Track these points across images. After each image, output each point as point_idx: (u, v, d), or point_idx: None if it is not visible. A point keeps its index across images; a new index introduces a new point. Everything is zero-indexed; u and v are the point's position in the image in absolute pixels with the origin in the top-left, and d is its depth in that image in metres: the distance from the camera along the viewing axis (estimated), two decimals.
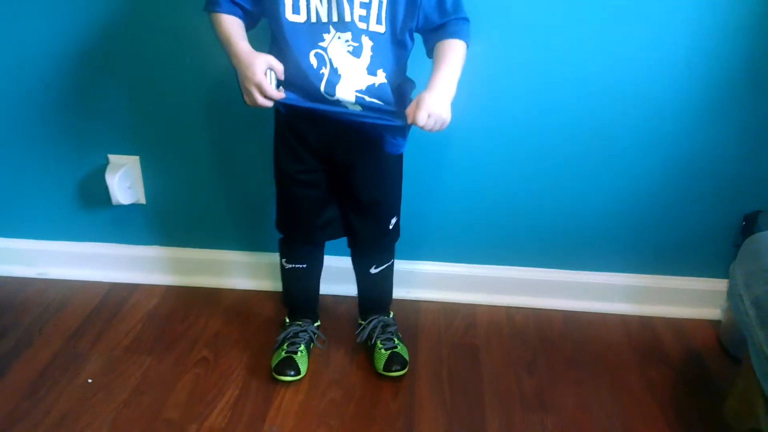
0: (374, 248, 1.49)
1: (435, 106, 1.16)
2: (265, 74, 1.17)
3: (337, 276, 1.66)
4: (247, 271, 1.78)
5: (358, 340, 1.54)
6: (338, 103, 1.20)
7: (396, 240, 1.49)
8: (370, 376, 1.49)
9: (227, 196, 1.70)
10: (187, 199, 1.70)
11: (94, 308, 1.68)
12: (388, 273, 1.54)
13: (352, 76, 1.19)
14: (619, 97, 1.50)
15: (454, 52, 1.22)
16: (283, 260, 1.50)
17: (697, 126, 1.52)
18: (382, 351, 1.49)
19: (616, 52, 1.45)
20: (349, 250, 1.50)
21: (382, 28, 1.19)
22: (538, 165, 1.59)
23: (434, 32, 1.24)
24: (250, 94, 1.18)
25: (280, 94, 1.19)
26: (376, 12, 1.18)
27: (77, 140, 1.63)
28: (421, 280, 1.75)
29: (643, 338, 1.64)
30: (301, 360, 1.47)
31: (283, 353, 1.47)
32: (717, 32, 1.42)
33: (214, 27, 1.22)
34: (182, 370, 1.48)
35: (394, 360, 1.47)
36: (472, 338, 1.62)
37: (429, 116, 1.16)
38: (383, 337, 1.51)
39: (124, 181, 1.64)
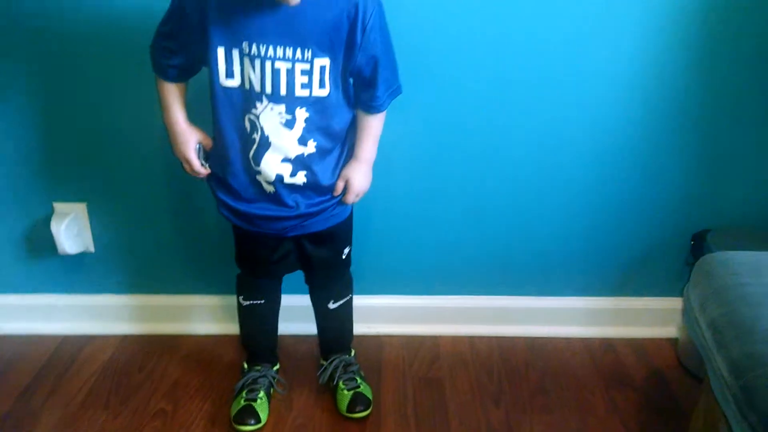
0: (330, 278, 1.46)
1: (362, 184, 1.31)
2: (196, 149, 1.27)
3: (297, 315, 1.63)
4: (205, 316, 1.74)
5: (320, 381, 1.51)
6: (259, 173, 1.24)
7: (348, 268, 1.48)
8: (335, 418, 1.46)
9: (181, 238, 1.66)
10: (139, 244, 1.66)
11: (46, 363, 1.62)
12: (347, 309, 1.52)
13: (282, 145, 1.21)
14: (567, 119, 1.52)
15: (377, 123, 1.29)
16: (241, 297, 1.47)
17: (644, 145, 1.55)
18: (345, 392, 1.46)
19: (560, 74, 1.47)
20: (307, 287, 1.49)
21: (325, 92, 1.19)
22: (492, 193, 1.60)
23: (362, 93, 1.25)
24: (182, 165, 1.29)
25: (205, 171, 1.29)
26: (319, 77, 1.18)
27: (19, 189, 1.59)
28: (381, 314, 1.73)
29: (605, 361, 1.65)
30: (261, 407, 1.43)
31: (242, 401, 1.43)
32: (662, 52, 1.45)
33: (157, 87, 1.25)
34: (140, 424, 1.43)
35: (357, 401, 1.44)
36: (437, 371, 1.60)
37: (356, 195, 1.32)
38: (345, 377, 1.49)
39: (71, 230, 1.59)
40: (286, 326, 1.60)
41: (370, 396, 1.47)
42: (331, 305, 1.49)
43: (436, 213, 1.62)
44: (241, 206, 1.28)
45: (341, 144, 1.29)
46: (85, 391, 1.53)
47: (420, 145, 1.54)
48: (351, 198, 1.32)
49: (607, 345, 1.70)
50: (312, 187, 1.27)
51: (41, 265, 1.68)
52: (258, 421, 1.41)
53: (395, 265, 1.69)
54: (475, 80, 1.47)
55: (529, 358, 1.66)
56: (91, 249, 1.65)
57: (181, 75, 1.23)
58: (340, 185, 1.30)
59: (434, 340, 1.71)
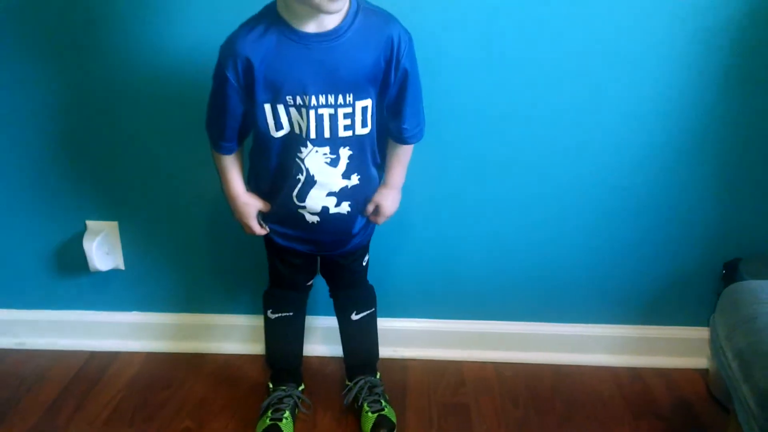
0: (351, 286, 1.50)
1: (391, 209, 1.36)
2: (257, 217, 1.33)
3: (323, 336, 1.64)
4: (231, 335, 1.74)
5: (345, 402, 1.51)
6: (303, 208, 1.28)
7: (366, 275, 1.51)
8: None
9: (209, 258, 1.68)
10: (168, 263, 1.68)
11: (73, 378, 1.63)
12: (371, 323, 1.54)
13: (327, 182, 1.26)
14: (592, 145, 1.51)
15: (406, 152, 1.33)
16: (269, 311, 1.49)
17: (676, 173, 1.54)
18: (369, 414, 1.46)
19: (584, 99, 1.46)
20: (331, 308, 1.52)
21: (367, 130, 1.24)
22: (516, 219, 1.59)
23: (391, 123, 1.28)
24: (242, 227, 1.36)
25: (264, 232, 1.35)
26: (361, 117, 1.21)
27: (54, 206, 1.61)
28: (406, 338, 1.72)
29: (633, 390, 1.62)
30: (287, 427, 1.43)
31: (267, 421, 1.43)
32: (692, 79, 1.44)
33: (214, 161, 1.31)
34: None
35: (381, 424, 1.44)
36: (462, 397, 1.59)
37: (385, 218, 1.37)
38: (370, 399, 1.48)
39: (102, 247, 1.62)
40: (311, 348, 1.61)
41: (394, 419, 1.46)
42: (354, 316, 1.50)
43: (461, 238, 1.62)
44: (288, 230, 1.35)
45: (378, 176, 1.34)
46: (111, 408, 1.54)
47: (444, 171, 1.55)
48: (381, 221, 1.37)
49: (635, 374, 1.67)
50: (353, 216, 1.32)
51: (72, 281, 1.70)
52: None
53: (421, 289, 1.69)
54: (496, 105, 1.48)
55: (555, 385, 1.63)
56: (121, 266, 1.68)
57: (236, 143, 1.27)
58: (370, 209, 1.35)
59: (459, 366, 1.70)
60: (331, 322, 1.57)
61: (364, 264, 1.47)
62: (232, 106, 1.20)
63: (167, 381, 1.63)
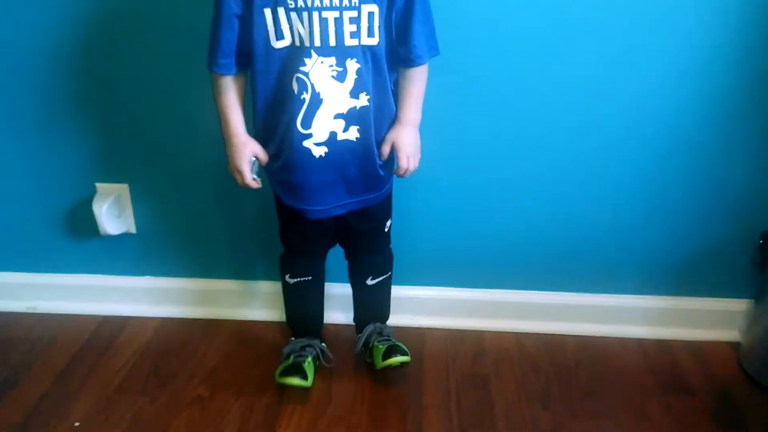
0: (371, 253, 1.44)
1: (410, 146, 1.27)
2: (250, 161, 1.25)
3: (340, 304, 1.60)
4: (246, 301, 1.70)
5: (355, 350, 1.48)
6: (309, 137, 1.20)
7: (389, 243, 1.45)
8: (377, 410, 1.41)
9: (224, 222, 1.63)
10: (181, 226, 1.63)
11: (85, 343, 1.60)
12: (385, 287, 1.50)
13: (334, 100, 1.18)
14: (627, 110, 1.43)
15: (418, 81, 1.25)
16: (287, 276, 1.44)
17: (711, 140, 1.45)
18: (380, 346, 1.44)
19: (619, 57, 1.38)
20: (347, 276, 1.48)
21: (374, 41, 1.17)
22: (544, 183, 1.52)
23: (401, 47, 1.21)
24: (233, 175, 1.27)
25: (256, 185, 1.27)
26: (367, 25, 1.15)
27: (63, 168, 1.57)
28: (425, 306, 1.67)
29: (661, 363, 1.56)
30: (309, 369, 1.42)
31: (290, 361, 1.42)
32: (729, 39, 1.35)
33: (213, 88, 1.23)
34: (176, 411, 1.40)
35: (393, 349, 1.41)
36: (482, 368, 1.54)
37: (408, 159, 1.27)
38: (381, 338, 1.46)
39: (113, 211, 1.57)
40: (327, 315, 1.56)
41: (408, 352, 1.43)
42: (370, 281, 1.46)
43: (484, 203, 1.55)
44: (294, 176, 1.25)
45: (393, 105, 1.26)
46: (123, 374, 1.51)
47: (467, 131, 1.47)
48: (404, 162, 1.28)
49: (664, 347, 1.61)
50: (363, 147, 1.24)
51: (82, 245, 1.66)
52: (305, 378, 1.39)
53: (440, 256, 1.63)
54: (529, 64, 1.40)
55: (579, 357, 1.57)
56: (133, 230, 1.63)
57: (234, 63, 1.19)
58: (386, 149, 1.27)
59: (479, 335, 1.64)
60: (348, 289, 1.53)
61: (386, 229, 1.41)
62: (228, 11, 1.14)
63: (180, 348, 1.59)
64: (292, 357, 1.43)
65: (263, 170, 1.30)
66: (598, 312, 1.64)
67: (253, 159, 1.26)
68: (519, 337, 1.63)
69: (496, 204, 1.55)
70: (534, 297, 1.65)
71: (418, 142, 1.29)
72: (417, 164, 1.30)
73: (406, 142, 1.26)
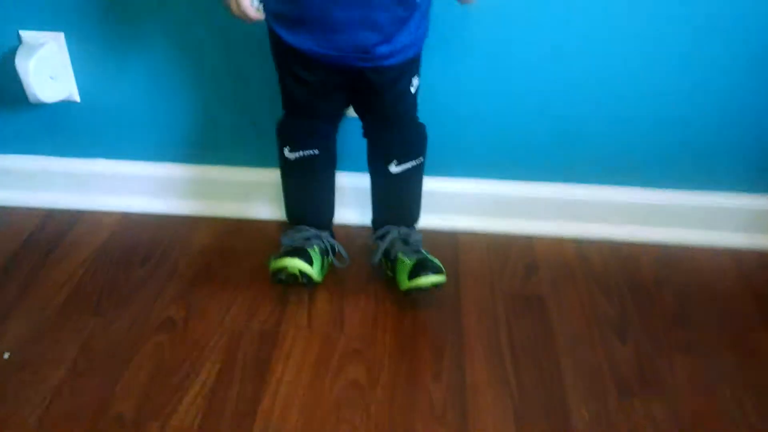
0: (393, 122, 1.09)
1: None
2: None
3: (353, 199, 1.25)
4: (231, 192, 1.33)
5: (372, 262, 1.16)
6: None
7: (415, 109, 1.11)
8: (403, 342, 1.08)
9: (202, 84, 1.23)
10: (143, 91, 1.24)
11: (21, 246, 1.25)
12: (415, 178, 1.16)
13: None
14: None
15: None
16: (286, 149, 1.11)
17: None
18: (406, 260, 1.11)
19: None
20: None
21: None
22: (621, 42, 1.13)
23: None
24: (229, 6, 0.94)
25: (256, 15, 0.94)
26: None
27: None
28: (458, 203, 1.31)
29: (764, 281, 1.22)
30: (316, 258, 1.12)
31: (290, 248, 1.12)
32: None
33: None
34: (139, 338, 1.07)
35: (423, 265, 1.08)
36: (536, 287, 1.20)
37: None
38: (406, 249, 1.13)
39: (44, 70, 1.16)
40: (338, 214, 1.21)
41: (441, 265, 1.10)
42: (394, 168, 1.11)
43: (539, 63, 1.16)
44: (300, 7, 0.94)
45: None
46: (69, 288, 1.16)
47: None
48: None
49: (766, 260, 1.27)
50: None
51: (10, 118, 1.26)
52: (309, 262, 1.09)
53: (478, 139, 1.25)
54: None
55: (660, 273, 1.24)
56: (76, 98, 1.24)
57: None
58: None
59: (528, 242, 1.29)
60: (363, 180, 1.17)
61: (412, 89, 1.05)
62: None
63: (146, 252, 1.25)
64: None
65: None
66: (682, 213, 1.29)
67: None
68: (580, 246, 1.29)
69: (555, 65, 1.16)
70: (600, 193, 1.29)
71: None
72: None
73: None
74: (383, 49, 0.96)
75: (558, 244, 1.29)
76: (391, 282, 1.16)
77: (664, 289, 1.20)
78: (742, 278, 1.23)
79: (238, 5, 0.92)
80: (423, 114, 1.11)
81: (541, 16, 1.11)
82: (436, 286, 1.09)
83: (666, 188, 1.28)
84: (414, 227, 1.19)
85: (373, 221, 1.21)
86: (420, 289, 1.09)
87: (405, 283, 1.09)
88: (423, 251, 1.13)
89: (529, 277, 1.22)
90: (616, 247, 1.29)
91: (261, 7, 0.95)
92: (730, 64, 1.13)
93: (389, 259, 1.15)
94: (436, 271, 1.09)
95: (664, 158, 1.25)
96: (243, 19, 0.94)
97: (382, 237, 1.16)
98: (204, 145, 1.30)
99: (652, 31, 1.11)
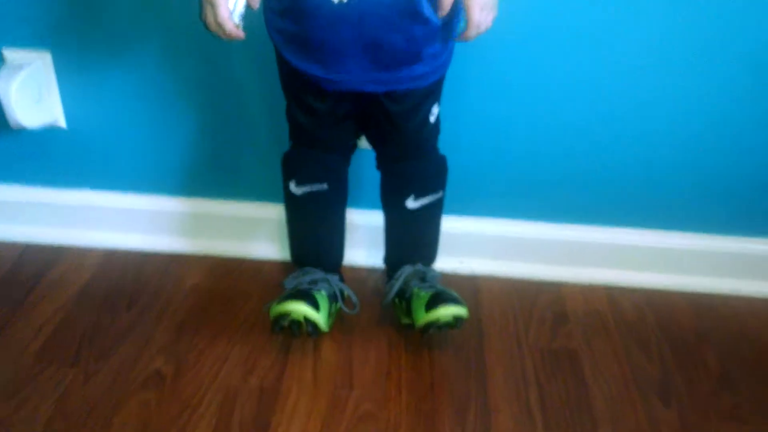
0: (410, 153, 1.00)
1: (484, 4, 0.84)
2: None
3: (364, 238, 1.16)
4: (231, 229, 1.24)
5: (383, 302, 1.07)
6: None
7: (436, 139, 1.02)
8: (421, 402, 0.96)
9: (200, 111, 1.14)
10: (131, 118, 1.14)
11: None
12: (434, 214, 1.07)
13: None
14: None
15: None
16: (292, 182, 1.03)
17: None
18: (422, 293, 1.02)
19: None
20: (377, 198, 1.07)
21: None
22: (655, 82, 1.06)
23: None
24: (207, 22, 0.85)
25: (237, 33, 0.85)
26: None
27: None
28: (479, 245, 1.21)
29: None
30: (323, 303, 1.01)
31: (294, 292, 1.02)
32: None
33: None
34: (122, 394, 0.95)
35: (442, 297, 0.99)
36: (566, 340, 1.09)
37: (481, 9, 0.84)
38: (424, 285, 1.04)
39: (28, 92, 1.06)
40: (348, 254, 1.11)
41: (463, 302, 1.01)
42: (411, 203, 1.03)
43: (568, 98, 1.08)
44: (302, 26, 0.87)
45: None
46: (47, 333, 1.05)
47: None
48: (475, 13, 0.84)
49: None
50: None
51: None
52: (316, 308, 0.99)
53: (500, 174, 1.16)
54: None
55: (700, 326, 1.14)
56: (61, 123, 1.14)
57: None
58: (446, 2, 0.83)
59: (556, 290, 1.19)
60: (375, 217, 1.08)
61: (431, 118, 0.97)
62: None
63: (133, 295, 1.13)
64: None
65: (250, 14, 0.85)
66: (727, 261, 1.20)
67: None
68: (612, 294, 1.19)
69: (584, 99, 1.08)
70: (634, 238, 1.20)
71: (495, 9, 0.87)
72: (491, 21, 0.87)
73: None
74: (398, 74, 0.88)
75: (588, 291, 1.19)
76: (406, 330, 1.05)
77: (704, 344, 1.10)
78: None
79: (215, 17, 0.83)
80: (441, 146, 1.02)
81: (572, 51, 1.03)
82: (456, 322, 0.99)
83: (701, 232, 1.19)
84: (431, 267, 1.09)
85: (386, 259, 1.11)
86: (439, 325, 0.98)
87: (422, 317, 0.99)
88: (440, 286, 1.04)
89: (558, 328, 1.11)
90: (649, 294, 1.19)
91: (241, 24, 0.85)
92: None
93: (404, 299, 1.05)
94: (456, 302, 0.99)
95: (700, 201, 1.16)
96: (220, 35, 0.84)
97: (396, 276, 1.06)
98: (200, 176, 1.20)
99: (689, 70, 1.04)
